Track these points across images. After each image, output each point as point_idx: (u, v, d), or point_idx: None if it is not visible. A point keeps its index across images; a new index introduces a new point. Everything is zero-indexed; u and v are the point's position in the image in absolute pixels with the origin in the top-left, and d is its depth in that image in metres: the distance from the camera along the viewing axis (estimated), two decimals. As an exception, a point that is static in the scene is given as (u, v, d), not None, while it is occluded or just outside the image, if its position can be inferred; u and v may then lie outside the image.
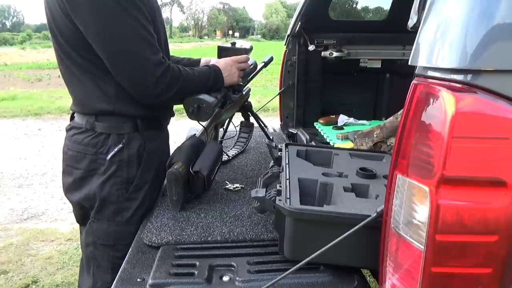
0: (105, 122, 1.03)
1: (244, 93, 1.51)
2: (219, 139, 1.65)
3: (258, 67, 1.59)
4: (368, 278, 0.92)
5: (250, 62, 1.52)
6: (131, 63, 0.95)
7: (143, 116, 1.07)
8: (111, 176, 1.04)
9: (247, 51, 1.29)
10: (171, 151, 1.15)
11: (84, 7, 0.91)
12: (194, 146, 1.12)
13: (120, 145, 1.03)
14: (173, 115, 1.22)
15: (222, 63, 1.19)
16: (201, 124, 1.20)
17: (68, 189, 1.11)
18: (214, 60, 1.25)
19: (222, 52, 1.25)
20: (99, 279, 1.11)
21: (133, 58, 0.95)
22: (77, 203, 1.11)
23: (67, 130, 1.11)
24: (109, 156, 1.03)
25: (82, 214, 1.14)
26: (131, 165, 1.05)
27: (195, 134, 1.20)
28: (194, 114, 1.09)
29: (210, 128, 1.26)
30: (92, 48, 0.95)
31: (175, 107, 1.21)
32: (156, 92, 0.99)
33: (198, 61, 1.41)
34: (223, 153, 1.56)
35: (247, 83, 1.50)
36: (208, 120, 1.27)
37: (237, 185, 1.27)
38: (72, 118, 1.13)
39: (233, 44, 1.26)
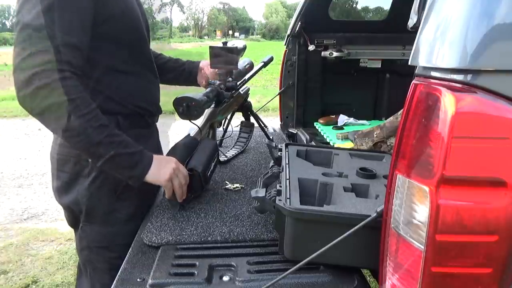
0: None
1: (241, 92, 1.50)
2: (218, 139, 1.64)
3: (258, 67, 1.60)
4: (368, 278, 0.92)
5: (246, 62, 1.52)
6: None
7: (124, 114, 1.04)
8: (96, 178, 1.02)
9: (239, 50, 1.27)
10: (164, 148, 1.13)
11: None
12: (188, 145, 1.12)
13: None
14: (160, 112, 1.19)
15: (162, 158, 1.02)
16: (194, 123, 1.19)
17: (58, 193, 1.10)
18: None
19: (214, 52, 1.24)
20: (97, 281, 1.10)
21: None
22: (67, 206, 1.10)
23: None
24: None
25: (73, 218, 1.13)
26: None
27: (189, 134, 1.20)
28: (184, 113, 1.08)
29: (205, 128, 1.26)
30: None
31: (172, 107, 1.17)
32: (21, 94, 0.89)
33: (184, 63, 1.39)
34: (223, 154, 1.56)
35: (245, 83, 1.50)
36: (204, 119, 1.27)
37: (237, 185, 1.27)
38: None
39: (225, 43, 1.26)
